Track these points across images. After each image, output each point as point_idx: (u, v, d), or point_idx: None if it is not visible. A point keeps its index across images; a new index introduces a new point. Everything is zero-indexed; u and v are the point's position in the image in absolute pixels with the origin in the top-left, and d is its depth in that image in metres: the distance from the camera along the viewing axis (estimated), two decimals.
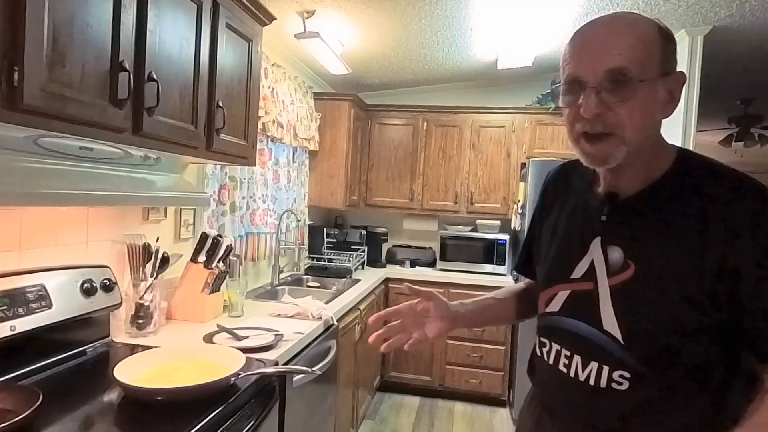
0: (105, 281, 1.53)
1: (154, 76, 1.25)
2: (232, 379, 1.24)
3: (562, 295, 0.90)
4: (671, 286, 0.78)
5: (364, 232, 3.74)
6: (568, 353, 0.87)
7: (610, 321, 0.82)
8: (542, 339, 0.95)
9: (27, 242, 1.37)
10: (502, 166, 3.64)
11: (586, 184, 0.93)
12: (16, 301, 1.24)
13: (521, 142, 3.59)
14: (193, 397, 1.15)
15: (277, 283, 2.87)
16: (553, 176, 1.06)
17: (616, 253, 0.83)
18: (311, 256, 3.49)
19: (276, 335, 1.68)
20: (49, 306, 1.32)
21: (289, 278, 3.07)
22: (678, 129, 2.99)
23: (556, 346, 0.90)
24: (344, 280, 3.12)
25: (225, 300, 2.05)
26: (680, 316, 0.78)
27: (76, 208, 1.53)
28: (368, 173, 3.85)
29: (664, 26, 0.79)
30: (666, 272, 0.78)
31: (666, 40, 0.78)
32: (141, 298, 1.65)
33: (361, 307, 2.75)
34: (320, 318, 2.01)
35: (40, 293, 1.31)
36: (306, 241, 3.43)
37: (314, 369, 1.67)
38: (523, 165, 3.50)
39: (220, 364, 1.31)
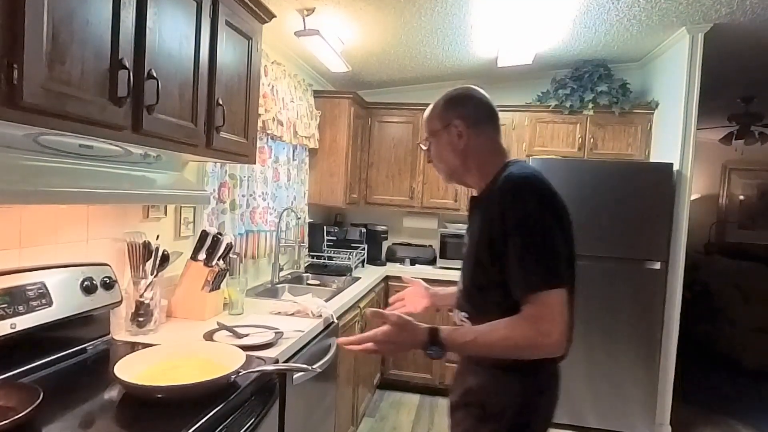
0: (105, 279, 1.53)
1: (154, 74, 1.25)
2: (233, 376, 1.23)
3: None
4: (473, 254, 1.17)
5: (364, 230, 3.74)
6: (456, 305, 1.29)
7: (461, 280, 1.25)
8: None
9: (27, 240, 1.37)
10: None
11: None
12: (17, 299, 1.24)
13: (521, 140, 3.59)
14: (193, 395, 1.15)
15: (277, 281, 2.87)
16: None
17: (467, 235, 1.26)
18: (311, 254, 3.48)
19: (276, 333, 1.68)
20: (50, 304, 1.33)
21: (289, 276, 3.07)
22: (678, 127, 2.99)
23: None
24: (344, 278, 3.12)
25: (225, 298, 2.05)
26: (478, 275, 1.17)
27: (76, 206, 1.52)
28: (368, 171, 3.85)
29: (452, 93, 1.27)
30: (473, 245, 1.19)
31: (447, 104, 1.25)
32: (141, 296, 1.65)
33: (361, 305, 2.75)
34: (320, 316, 2.01)
35: (41, 291, 1.31)
36: (306, 239, 3.43)
37: (314, 367, 1.67)
38: None
39: (221, 361, 1.31)
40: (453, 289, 1.45)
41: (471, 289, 1.20)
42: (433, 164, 1.31)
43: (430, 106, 1.29)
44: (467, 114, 1.22)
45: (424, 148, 1.29)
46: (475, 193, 1.26)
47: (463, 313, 1.22)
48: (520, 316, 1.03)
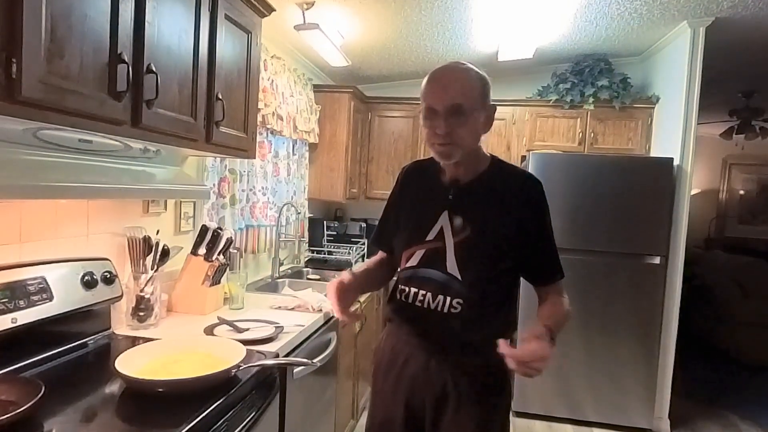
0: (105, 274, 1.53)
1: (153, 68, 1.25)
2: (233, 371, 1.24)
3: (419, 253, 1.26)
4: (491, 241, 1.20)
5: (363, 224, 3.74)
6: (423, 292, 1.25)
7: (452, 266, 1.21)
8: (402, 287, 1.30)
9: (27, 235, 1.37)
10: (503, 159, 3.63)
11: (433, 176, 1.30)
12: (18, 294, 1.24)
13: (521, 135, 3.58)
14: (194, 389, 1.16)
15: (277, 275, 2.88)
16: (409, 170, 1.41)
17: (458, 220, 1.22)
18: (311, 248, 3.49)
19: (276, 327, 1.69)
20: (50, 298, 1.33)
21: (289, 271, 3.07)
22: (679, 122, 2.98)
23: (413, 289, 1.26)
24: (344, 272, 3.12)
25: (225, 292, 2.05)
26: (494, 260, 1.20)
27: (76, 200, 1.53)
28: (368, 166, 3.84)
29: (482, 73, 1.19)
30: (488, 232, 1.20)
31: (483, 83, 1.18)
32: (142, 291, 1.65)
33: (361, 299, 2.75)
34: (320, 310, 2.02)
35: (41, 286, 1.31)
36: (306, 233, 3.43)
37: (314, 361, 1.68)
38: (524, 158, 3.49)
39: (221, 356, 1.31)
40: (359, 268, 1.42)
41: (480, 277, 1.20)
42: (450, 135, 1.14)
43: (468, 74, 1.16)
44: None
45: (460, 115, 1.13)
46: (459, 178, 1.24)
47: (456, 299, 1.20)
48: (561, 296, 1.25)
